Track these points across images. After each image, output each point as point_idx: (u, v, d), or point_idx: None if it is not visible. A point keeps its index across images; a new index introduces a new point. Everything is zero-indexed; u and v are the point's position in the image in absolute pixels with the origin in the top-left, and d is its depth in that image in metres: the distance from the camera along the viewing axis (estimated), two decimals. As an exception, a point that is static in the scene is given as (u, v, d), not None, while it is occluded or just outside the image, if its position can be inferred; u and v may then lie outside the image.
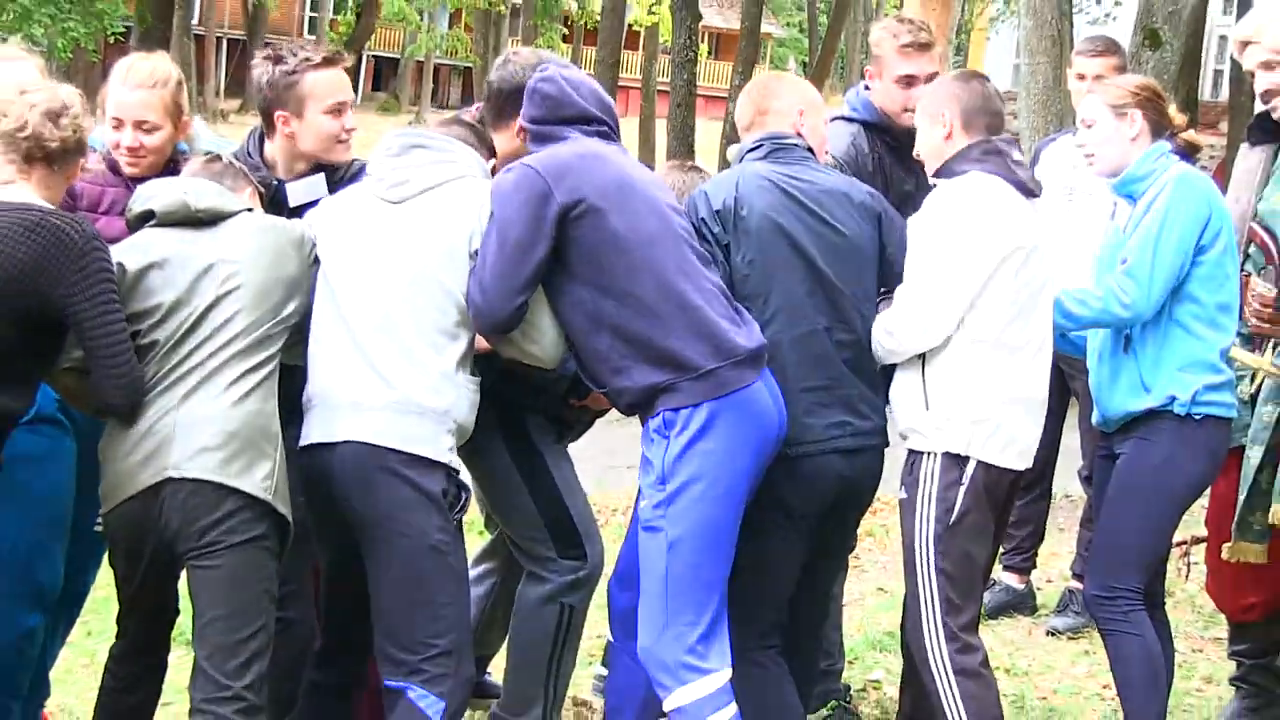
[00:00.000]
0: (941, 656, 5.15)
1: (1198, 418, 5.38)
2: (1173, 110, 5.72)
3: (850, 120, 5.98)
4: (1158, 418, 5.38)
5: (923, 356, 5.15)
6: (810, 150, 5.28)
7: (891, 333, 5.07)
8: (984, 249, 5.07)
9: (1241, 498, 5.92)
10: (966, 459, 5.14)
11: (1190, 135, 5.83)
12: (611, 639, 5.45)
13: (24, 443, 4.79)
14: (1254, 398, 5.92)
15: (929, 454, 5.15)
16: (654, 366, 4.77)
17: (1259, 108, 6.11)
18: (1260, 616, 6.29)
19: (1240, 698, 6.53)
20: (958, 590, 5.18)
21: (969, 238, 5.07)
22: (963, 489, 5.13)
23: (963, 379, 5.11)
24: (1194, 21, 16.96)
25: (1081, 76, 7.30)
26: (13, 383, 4.56)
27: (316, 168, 5.37)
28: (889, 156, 5.75)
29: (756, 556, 5.08)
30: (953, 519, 5.14)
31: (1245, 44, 5.96)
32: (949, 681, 5.15)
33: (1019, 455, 5.24)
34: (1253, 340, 5.93)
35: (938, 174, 5.27)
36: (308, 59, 5.34)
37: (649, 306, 4.77)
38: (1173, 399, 5.34)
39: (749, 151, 5.23)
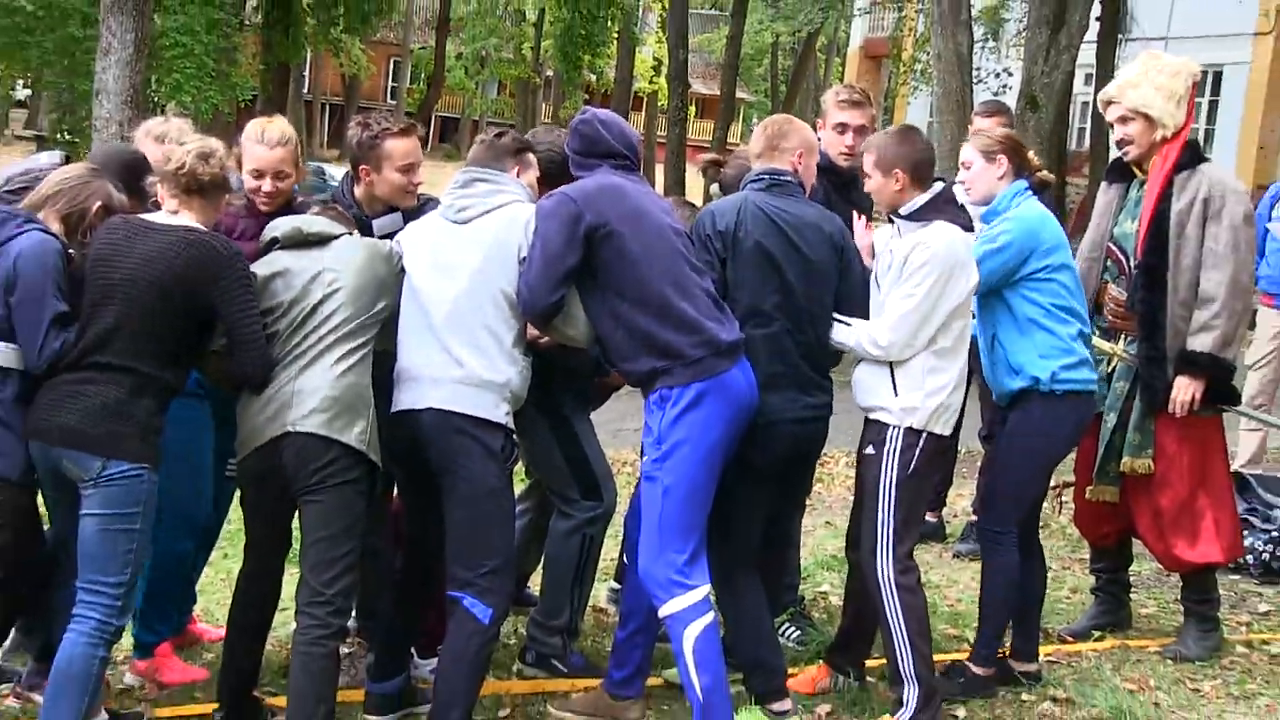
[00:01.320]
0: (889, 575, 5.17)
1: (1059, 393, 5.42)
2: (1031, 155, 5.78)
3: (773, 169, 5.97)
4: (1029, 394, 5.43)
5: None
6: (801, 185, 5.28)
7: (879, 344, 5.07)
8: (956, 289, 5.11)
9: (1100, 452, 6.08)
10: (922, 432, 5.17)
11: (1043, 175, 5.92)
12: (624, 558, 5.42)
13: (178, 411, 4.83)
14: (1109, 376, 6.05)
15: (894, 427, 5.16)
16: (654, 356, 4.80)
17: (1115, 154, 6.10)
18: (1114, 542, 6.46)
19: (1097, 603, 6.61)
20: (905, 526, 5.22)
21: (946, 281, 5.07)
22: (918, 452, 5.16)
23: (925, 376, 5.13)
24: (1063, 91, 17.26)
25: (975, 132, 7.31)
26: (176, 365, 4.63)
27: (393, 207, 5.37)
28: (833, 192, 5.72)
29: (735, 500, 5.11)
30: (908, 474, 5.16)
31: (1109, 103, 5.98)
32: (892, 593, 5.18)
33: (950, 425, 5.29)
34: (1110, 333, 6.06)
35: (905, 217, 5.23)
36: (387, 128, 5.32)
37: (653, 309, 4.79)
38: (1036, 379, 5.40)
39: (753, 181, 5.22)
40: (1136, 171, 6.04)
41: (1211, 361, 5.78)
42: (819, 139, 6.08)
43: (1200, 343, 5.78)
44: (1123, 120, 5.94)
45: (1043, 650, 6.20)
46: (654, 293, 4.80)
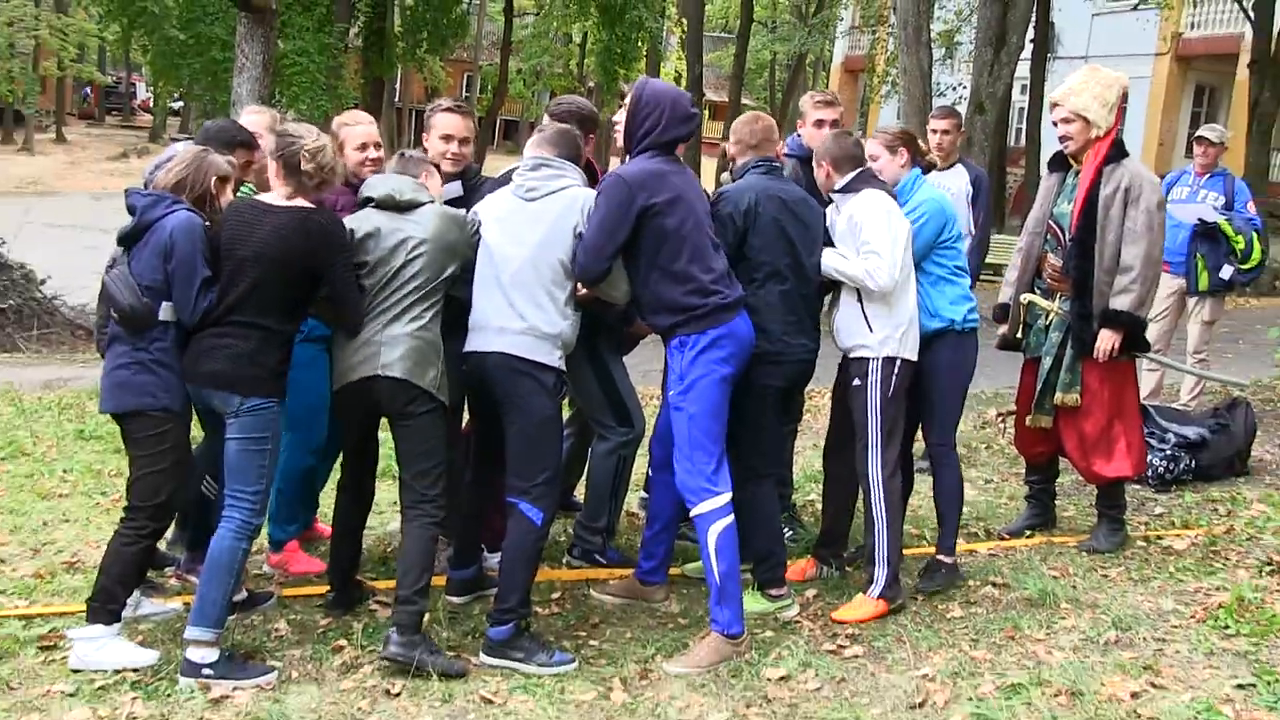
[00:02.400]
0: (878, 478, 5.27)
1: (967, 330, 5.51)
2: (922, 145, 5.92)
3: (789, 156, 5.97)
4: (946, 334, 5.46)
5: (860, 300, 5.21)
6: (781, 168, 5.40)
7: (878, 280, 5.09)
8: (901, 228, 5.21)
9: (1039, 388, 6.12)
10: (896, 359, 5.22)
11: (930, 159, 6.23)
12: (651, 473, 5.45)
13: (301, 354, 4.86)
14: (1047, 328, 6.10)
15: (874, 358, 5.21)
16: (674, 313, 4.81)
17: (1056, 146, 6.13)
18: (1045, 460, 6.49)
19: (1030, 508, 6.65)
20: (889, 438, 5.28)
21: (898, 225, 5.19)
22: (895, 377, 5.23)
23: (890, 310, 5.20)
24: (1004, 98, 17.37)
25: (933, 131, 7.36)
26: (295, 317, 4.66)
27: (454, 177, 5.36)
28: (808, 177, 5.75)
29: (753, 421, 5.16)
30: (889, 396, 5.22)
31: (1055, 104, 5.99)
32: (880, 492, 5.28)
33: (915, 350, 5.31)
34: (1048, 293, 6.09)
35: (839, 191, 5.32)
36: (440, 104, 5.49)
37: (678, 278, 4.78)
38: (952, 321, 5.45)
39: (755, 167, 5.23)
40: (1073, 162, 6.03)
41: (1129, 318, 5.81)
42: (799, 135, 6.15)
43: (1120, 303, 5.81)
44: (1065, 120, 5.94)
45: (985, 546, 6.25)
46: (680, 265, 4.79)
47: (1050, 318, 6.09)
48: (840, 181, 5.31)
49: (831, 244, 5.31)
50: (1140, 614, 5.29)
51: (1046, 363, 6.08)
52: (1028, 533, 6.46)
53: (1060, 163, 6.12)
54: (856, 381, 5.28)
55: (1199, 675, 4.65)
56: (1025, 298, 6.19)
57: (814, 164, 5.41)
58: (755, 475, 5.22)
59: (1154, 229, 5.80)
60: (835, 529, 5.78)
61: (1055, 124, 6.03)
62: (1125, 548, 6.18)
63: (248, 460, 4.54)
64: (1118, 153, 5.91)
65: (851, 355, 5.30)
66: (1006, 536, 6.44)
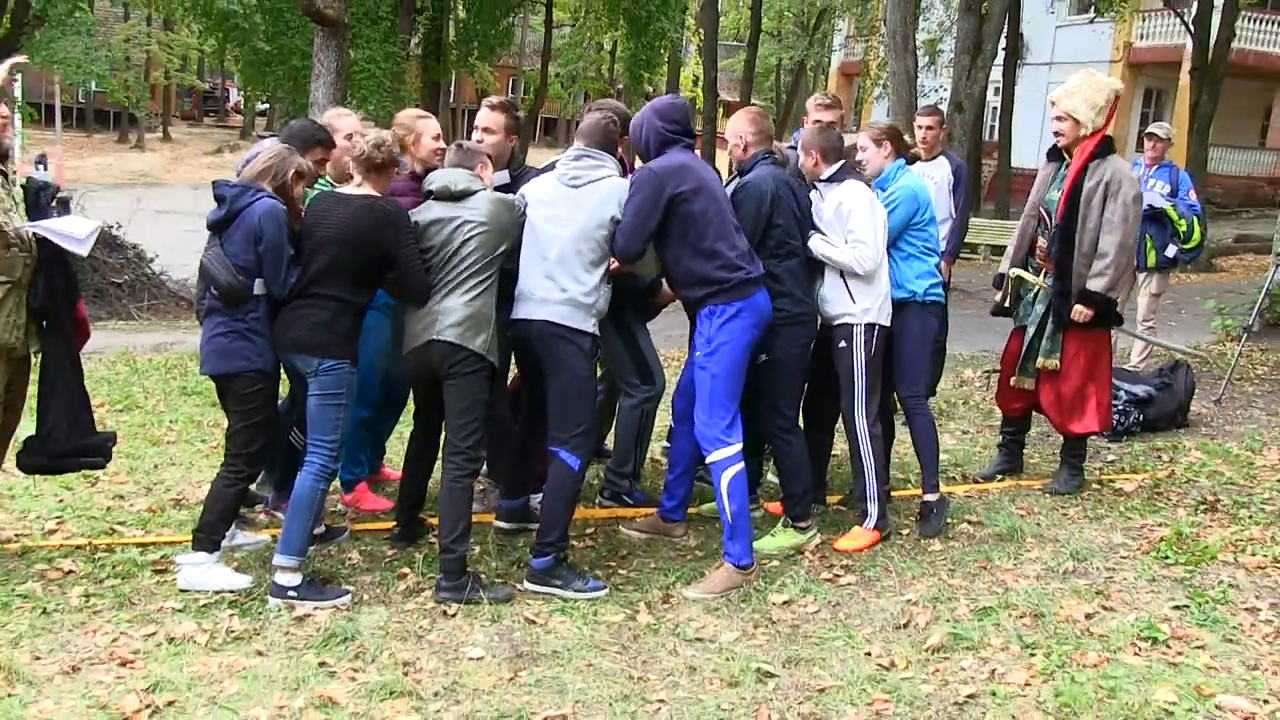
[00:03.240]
0: (863, 427, 5.26)
1: (928, 302, 5.46)
2: (906, 138, 5.91)
3: (793, 147, 5.93)
4: (910, 303, 5.41)
5: (843, 276, 5.18)
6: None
7: (865, 265, 5.09)
8: (879, 215, 5.20)
9: (1023, 354, 6.12)
10: (874, 325, 5.20)
11: (914, 151, 6.26)
12: (672, 424, 5.44)
13: (369, 318, 4.85)
14: (1033, 300, 6.09)
15: (857, 325, 5.19)
16: (704, 286, 4.77)
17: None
18: (1020, 414, 6.47)
19: (1002, 455, 6.60)
20: (870, 393, 5.26)
21: (878, 213, 5.19)
22: (875, 340, 5.22)
23: (869, 285, 5.18)
24: (980, 99, 17.19)
25: (919, 127, 7.28)
26: (365, 290, 4.65)
27: (501, 166, 5.31)
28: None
29: (786, 378, 5.17)
30: (871, 356, 5.21)
31: (1054, 103, 5.94)
32: (865, 440, 5.27)
33: (888, 318, 5.29)
34: (1038, 270, 6.06)
35: (825, 181, 5.28)
36: (485, 102, 5.46)
37: (706, 255, 4.75)
38: (914, 293, 5.40)
39: (764, 159, 5.18)
40: (1066, 156, 5.98)
41: (1101, 298, 5.77)
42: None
43: (1095, 284, 5.77)
44: (1059, 119, 5.89)
45: (961, 489, 6.22)
46: (708, 243, 4.76)
47: (1036, 291, 6.06)
48: (827, 171, 5.27)
49: (815, 225, 5.26)
50: (1094, 547, 5.28)
51: (1030, 331, 6.06)
52: (999, 477, 6.43)
53: (1056, 154, 6.07)
54: (842, 344, 5.24)
55: (1143, 599, 4.66)
56: (1014, 272, 6.18)
57: (802, 152, 5.35)
58: (791, 427, 5.24)
59: (1129, 220, 5.74)
60: (817, 475, 5.74)
61: (1052, 120, 5.98)
62: (1082, 490, 6.16)
63: (325, 414, 4.55)
64: (1104, 150, 5.84)
65: (836, 323, 5.26)
66: (980, 480, 6.40)
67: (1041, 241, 6.04)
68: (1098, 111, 5.81)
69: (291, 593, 4.47)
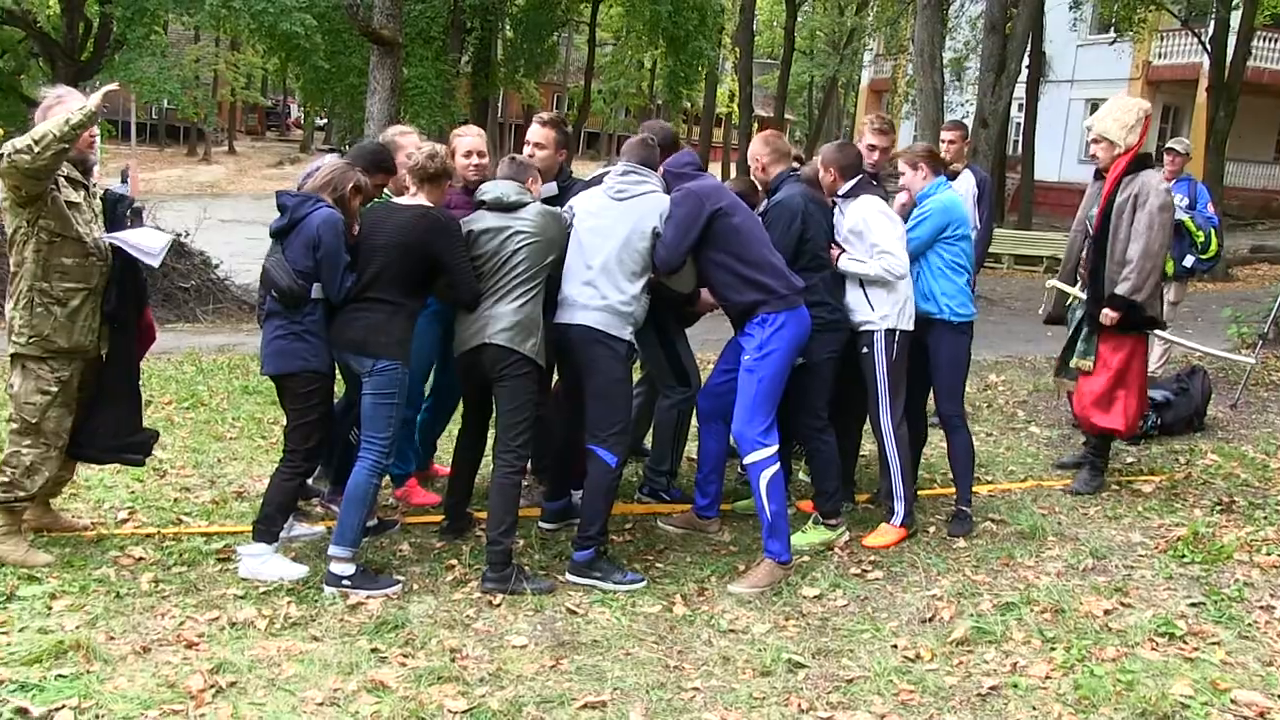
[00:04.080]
0: (888, 425, 5.22)
1: (959, 321, 5.39)
2: (941, 156, 5.86)
3: None
4: (941, 322, 5.36)
5: (862, 285, 5.15)
6: None
7: (896, 273, 5.08)
8: (900, 226, 5.21)
9: (1062, 354, 6.17)
10: (895, 330, 5.16)
11: (952, 168, 6.20)
12: (699, 425, 5.41)
13: (420, 324, 4.84)
14: (1076, 307, 6.12)
15: (878, 331, 5.15)
16: (755, 291, 4.75)
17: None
18: (1098, 433, 6.22)
19: (1085, 448, 6.44)
20: (895, 396, 5.22)
21: (888, 221, 5.16)
22: (896, 344, 5.17)
23: (888, 292, 5.14)
24: (1004, 115, 17.07)
25: (942, 141, 7.24)
26: (417, 295, 4.67)
27: (550, 179, 5.29)
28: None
29: (821, 383, 5.19)
30: (893, 360, 5.17)
31: (1088, 129, 5.96)
32: (891, 440, 5.24)
33: (912, 321, 5.24)
34: (1081, 280, 6.09)
35: (841, 196, 5.24)
36: (536, 118, 5.42)
37: (755, 263, 4.75)
38: (944, 309, 5.35)
39: (789, 177, 5.20)
40: (1103, 174, 5.97)
41: (1124, 302, 5.74)
42: None
43: (1120, 289, 5.74)
44: (1094, 141, 5.90)
45: (985, 489, 6.16)
46: (755, 252, 4.76)
47: (1073, 300, 6.11)
48: (844, 187, 5.24)
49: (832, 237, 5.25)
50: (1113, 545, 5.22)
51: (1069, 335, 6.09)
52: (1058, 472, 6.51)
53: (1099, 176, 6.07)
54: (865, 350, 5.21)
55: (1160, 595, 4.60)
56: (1051, 283, 6.27)
57: (820, 168, 5.29)
58: (825, 427, 5.24)
59: (1153, 229, 5.70)
60: (845, 469, 5.71)
61: (1088, 143, 6.01)
62: (1102, 491, 6.09)
63: (378, 412, 4.56)
64: (1137, 166, 5.82)
65: (859, 330, 5.23)
66: (1062, 468, 6.58)
67: (1086, 252, 6.06)
68: (1128, 130, 5.79)
69: (345, 581, 4.49)
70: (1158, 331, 6.37)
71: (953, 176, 5.90)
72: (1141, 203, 5.72)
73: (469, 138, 5.38)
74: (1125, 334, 5.84)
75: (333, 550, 4.52)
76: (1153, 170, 5.89)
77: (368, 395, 4.56)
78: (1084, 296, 5.98)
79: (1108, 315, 5.77)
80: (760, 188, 5.39)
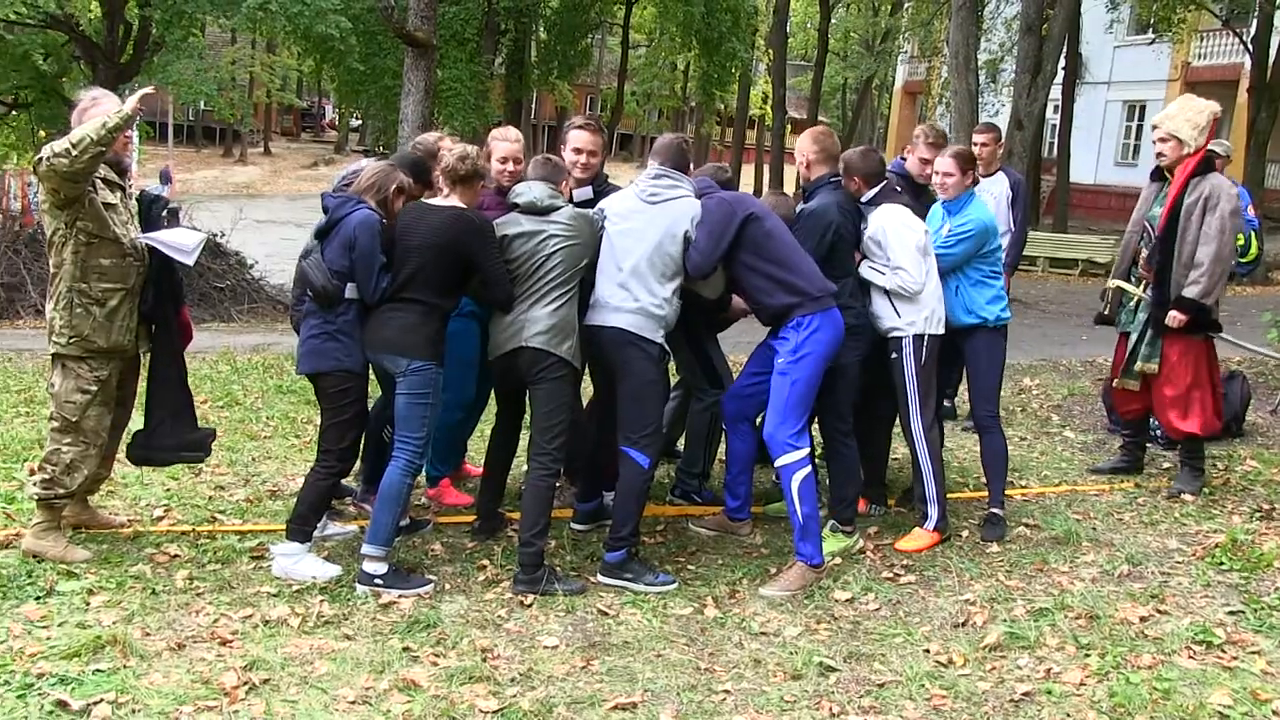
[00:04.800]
0: (920, 430, 5.20)
1: (999, 326, 5.40)
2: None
3: (894, 171, 5.88)
4: (980, 328, 5.35)
5: (888, 293, 5.14)
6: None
7: (910, 288, 5.07)
8: (920, 236, 5.15)
9: (1127, 358, 6.12)
10: (923, 335, 5.13)
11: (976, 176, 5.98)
12: (726, 427, 5.39)
13: (455, 325, 4.91)
14: (1135, 309, 6.10)
15: (906, 337, 5.13)
16: (789, 294, 4.76)
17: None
18: (1135, 417, 6.48)
19: (1121, 455, 6.66)
20: (925, 399, 5.20)
21: (914, 235, 5.13)
22: (925, 350, 5.15)
23: (912, 300, 5.12)
24: (1040, 117, 16.95)
25: (975, 144, 7.21)
26: (451, 296, 4.68)
27: (585, 184, 5.28)
28: (909, 194, 5.58)
29: (845, 389, 5.15)
30: (921, 365, 5.15)
31: (1155, 125, 5.92)
32: (922, 444, 5.21)
33: (941, 325, 5.21)
34: (1140, 280, 6.05)
35: (864, 203, 5.23)
36: (574, 122, 5.41)
37: (788, 266, 4.76)
38: (985, 319, 5.34)
39: (827, 183, 5.17)
40: (1167, 174, 5.93)
41: (1193, 305, 5.73)
42: (904, 159, 6.17)
43: (1189, 292, 5.73)
44: (1162, 139, 5.86)
45: (1019, 493, 6.12)
46: (787, 256, 4.77)
47: (1137, 301, 6.05)
48: (868, 194, 5.23)
49: (858, 244, 5.24)
50: (1149, 552, 5.17)
51: (1133, 337, 6.07)
52: (1102, 477, 6.47)
53: (1159, 174, 6.03)
54: (894, 355, 5.20)
55: (1197, 603, 4.55)
56: (1114, 283, 6.23)
57: (845, 176, 5.25)
58: (849, 432, 5.23)
59: (1225, 233, 5.69)
60: (873, 473, 5.73)
61: (1155, 142, 5.95)
62: (1137, 495, 6.04)
63: (413, 412, 4.58)
64: (1204, 167, 5.79)
65: (888, 335, 5.21)
66: (1097, 474, 6.53)
67: (1144, 254, 6.02)
68: (1199, 131, 5.77)
69: (378, 580, 4.51)
70: (1222, 335, 6.33)
71: (974, 184, 5.83)
72: (1212, 206, 5.70)
73: (506, 144, 5.37)
74: (1190, 336, 5.84)
75: (366, 549, 4.55)
76: (1220, 173, 5.86)
77: (402, 395, 4.58)
78: (1147, 296, 5.95)
79: (1175, 318, 5.76)
80: (800, 186, 5.37)
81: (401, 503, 4.65)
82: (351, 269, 4.55)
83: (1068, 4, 16.92)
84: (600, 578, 4.71)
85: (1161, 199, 5.92)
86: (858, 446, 5.32)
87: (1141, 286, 6.03)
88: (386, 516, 4.56)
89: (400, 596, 4.46)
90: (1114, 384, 6.23)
